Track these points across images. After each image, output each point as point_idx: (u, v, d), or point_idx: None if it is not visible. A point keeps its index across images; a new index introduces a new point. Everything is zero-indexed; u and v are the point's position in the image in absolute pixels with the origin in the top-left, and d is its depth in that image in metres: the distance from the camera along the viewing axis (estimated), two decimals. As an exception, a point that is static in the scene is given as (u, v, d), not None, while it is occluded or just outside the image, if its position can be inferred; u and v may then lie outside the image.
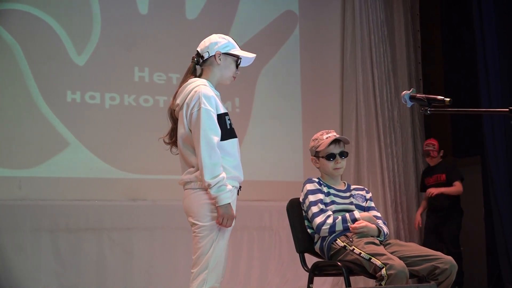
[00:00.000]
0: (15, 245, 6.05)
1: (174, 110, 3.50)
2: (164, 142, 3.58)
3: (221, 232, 3.26)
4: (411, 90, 3.36)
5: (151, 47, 6.98)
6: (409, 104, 3.35)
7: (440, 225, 6.81)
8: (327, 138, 3.94)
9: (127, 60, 6.85)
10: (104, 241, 6.44)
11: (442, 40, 8.54)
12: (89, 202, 6.43)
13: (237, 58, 3.51)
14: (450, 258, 3.51)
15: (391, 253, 3.51)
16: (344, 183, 4.15)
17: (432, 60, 8.58)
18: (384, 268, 3.27)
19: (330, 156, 3.91)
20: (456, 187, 6.68)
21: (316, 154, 3.99)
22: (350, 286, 3.61)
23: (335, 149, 3.93)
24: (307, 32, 7.93)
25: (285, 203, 4.27)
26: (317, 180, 3.97)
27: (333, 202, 3.87)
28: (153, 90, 6.94)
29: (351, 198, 3.97)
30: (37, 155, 6.32)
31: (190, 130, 3.32)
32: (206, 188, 3.21)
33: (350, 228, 3.72)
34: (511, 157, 6.84)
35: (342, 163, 3.97)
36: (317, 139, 4.01)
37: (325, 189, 3.92)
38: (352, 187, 4.12)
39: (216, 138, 3.23)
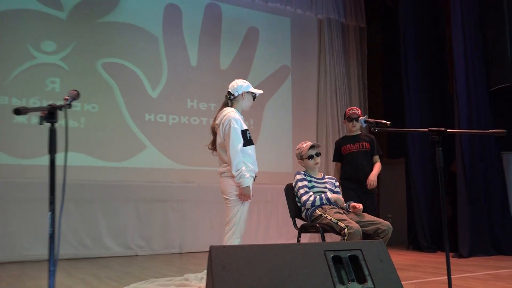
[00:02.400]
0: (114, 211, 6.25)
1: (214, 128, 3.55)
2: (208, 148, 3.64)
3: (243, 204, 3.37)
4: (365, 116, 3.38)
5: (198, 86, 7.10)
6: (364, 125, 3.38)
7: (360, 193, 4.53)
8: (305, 146, 3.94)
9: (183, 94, 6.99)
10: (167, 208, 6.59)
11: (382, 84, 8.43)
12: (159, 183, 6.58)
13: (253, 94, 3.61)
14: (387, 222, 3.53)
15: (351, 219, 3.55)
16: (321, 174, 4.10)
17: (374, 97, 8.42)
18: (346, 229, 3.31)
19: (311, 157, 3.91)
20: (379, 164, 4.65)
21: (301, 157, 3.97)
22: (324, 240, 3.59)
23: (313, 151, 3.91)
24: (296, 78, 7.97)
25: (282, 186, 4.27)
26: (303, 172, 3.96)
27: (313, 186, 3.86)
28: (199, 114, 7.07)
29: (325, 184, 3.94)
30: (127, 153, 6.51)
31: (224, 140, 3.39)
32: (233, 176, 3.31)
33: (351, 207, 3.70)
34: (424, 159, 6.74)
35: (318, 159, 3.94)
36: (299, 148, 3.99)
37: (308, 178, 3.91)
38: (326, 176, 4.09)
39: (240, 145, 3.32)
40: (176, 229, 6.59)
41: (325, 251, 1.86)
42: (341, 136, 5.73)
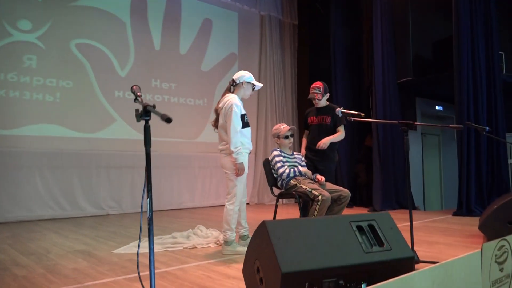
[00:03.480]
0: (87, 176, 6.02)
1: (217, 110, 3.46)
2: (212, 125, 3.56)
3: (240, 176, 3.33)
4: (341, 108, 3.34)
5: (161, 68, 6.93)
6: (341, 115, 3.36)
7: (317, 161, 3.99)
8: (283, 127, 3.89)
9: (148, 75, 6.80)
10: (135, 174, 6.46)
11: (308, 74, 8.30)
12: (127, 152, 6.43)
13: (253, 85, 3.54)
14: (347, 190, 3.56)
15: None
16: (291, 150, 3.97)
17: (303, 82, 8.29)
18: (319, 196, 3.35)
19: (286, 137, 3.86)
20: (341, 133, 4.02)
21: (278, 136, 3.88)
22: (300, 204, 3.61)
23: (289, 133, 3.87)
24: (242, 64, 7.97)
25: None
26: (278, 149, 3.86)
27: (287, 161, 3.80)
28: (162, 92, 6.90)
29: (295, 159, 3.88)
30: (98, 126, 6.26)
31: (225, 122, 3.33)
32: (231, 153, 3.25)
33: (316, 178, 3.68)
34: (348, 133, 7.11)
35: (292, 139, 3.90)
36: (277, 128, 3.92)
37: (283, 154, 3.83)
38: (294, 153, 3.97)
39: (239, 127, 3.27)
40: (142, 191, 6.35)
41: (350, 222, 1.95)
42: (283, 111, 5.67)
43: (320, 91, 4.16)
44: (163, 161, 6.68)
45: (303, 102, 7.33)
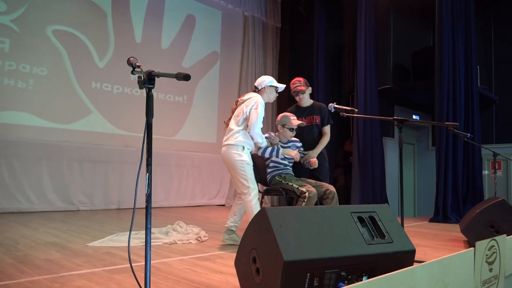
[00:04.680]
0: (58, 169, 5.73)
1: (237, 102, 3.41)
2: (224, 122, 3.47)
3: (248, 168, 3.26)
4: (334, 103, 3.32)
5: (141, 62, 6.45)
6: (333, 110, 3.31)
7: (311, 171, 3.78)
8: (293, 119, 3.65)
9: (128, 67, 6.30)
10: (109, 169, 6.24)
11: (289, 76, 8.61)
12: (101, 146, 6.20)
13: (276, 87, 3.51)
14: (332, 186, 3.46)
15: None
16: (287, 138, 3.72)
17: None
18: (307, 193, 3.28)
19: (292, 130, 3.63)
20: (327, 135, 3.90)
21: (283, 125, 3.64)
22: (286, 200, 3.51)
23: (295, 126, 3.62)
24: (223, 63, 7.92)
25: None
26: (273, 133, 3.68)
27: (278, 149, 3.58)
28: (141, 86, 6.62)
29: (289, 147, 3.66)
30: (73, 117, 6.00)
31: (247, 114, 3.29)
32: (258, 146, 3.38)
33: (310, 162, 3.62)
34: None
35: (294, 133, 3.67)
36: (287, 117, 3.66)
37: None
38: (293, 138, 3.73)
39: (260, 125, 3.28)
40: (115, 187, 6.28)
41: (351, 212, 1.89)
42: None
43: (301, 83, 3.94)
44: (138, 158, 6.41)
45: (283, 104, 7.36)
